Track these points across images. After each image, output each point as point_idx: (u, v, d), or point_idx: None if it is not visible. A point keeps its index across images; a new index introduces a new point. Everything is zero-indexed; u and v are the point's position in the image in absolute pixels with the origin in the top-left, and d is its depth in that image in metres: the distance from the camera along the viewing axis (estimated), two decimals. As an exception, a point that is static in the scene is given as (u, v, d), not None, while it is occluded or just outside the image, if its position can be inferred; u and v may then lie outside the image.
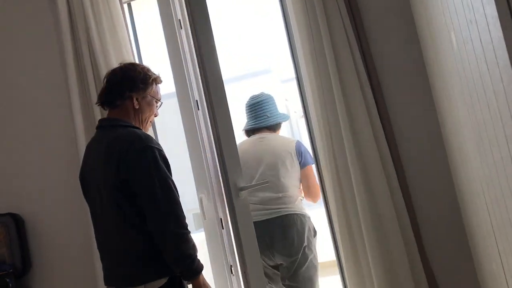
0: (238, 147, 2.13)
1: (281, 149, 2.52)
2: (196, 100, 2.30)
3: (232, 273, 2.14)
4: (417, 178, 2.15)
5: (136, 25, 2.63)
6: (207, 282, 1.80)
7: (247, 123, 2.70)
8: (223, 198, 2.03)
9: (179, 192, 1.74)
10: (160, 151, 1.75)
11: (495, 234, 1.52)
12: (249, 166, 2.48)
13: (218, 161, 1.94)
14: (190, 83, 2.31)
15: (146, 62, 2.49)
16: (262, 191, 2.44)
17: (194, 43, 1.93)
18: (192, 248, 1.74)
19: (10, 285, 2.21)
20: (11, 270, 2.30)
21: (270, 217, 2.42)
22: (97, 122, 1.97)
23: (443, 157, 2.12)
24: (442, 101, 1.96)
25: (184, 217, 1.73)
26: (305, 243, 2.41)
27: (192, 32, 1.91)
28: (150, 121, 1.94)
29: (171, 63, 2.56)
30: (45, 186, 2.47)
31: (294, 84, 2.57)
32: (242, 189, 1.84)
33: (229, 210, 1.78)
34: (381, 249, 2.06)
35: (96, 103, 1.92)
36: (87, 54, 2.37)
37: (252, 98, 2.71)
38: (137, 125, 1.85)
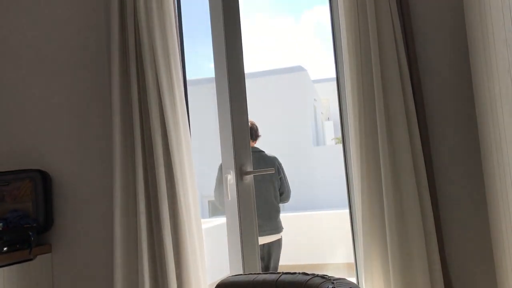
0: None
1: None
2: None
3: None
4: (448, 186, 2.18)
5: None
6: None
7: None
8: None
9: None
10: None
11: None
12: None
13: (233, 146, 2.31)
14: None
15: (187, 37, 2.51)
16: None
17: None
18: None
19: (32, 238, 2.25)
20: (34, 225, 2.35)
21: None
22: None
23: (477, 164, 2.14)
24: (486, 119, 1.92)
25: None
26: None
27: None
28: None
29: (213, 44, 2.54)
30: (76, 148, 2.51)
31: (324, 85, 2.78)
32: (247, 173, 2.21)
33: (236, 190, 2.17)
34: (402, 253, 2.04)
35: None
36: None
37: None
38: None
